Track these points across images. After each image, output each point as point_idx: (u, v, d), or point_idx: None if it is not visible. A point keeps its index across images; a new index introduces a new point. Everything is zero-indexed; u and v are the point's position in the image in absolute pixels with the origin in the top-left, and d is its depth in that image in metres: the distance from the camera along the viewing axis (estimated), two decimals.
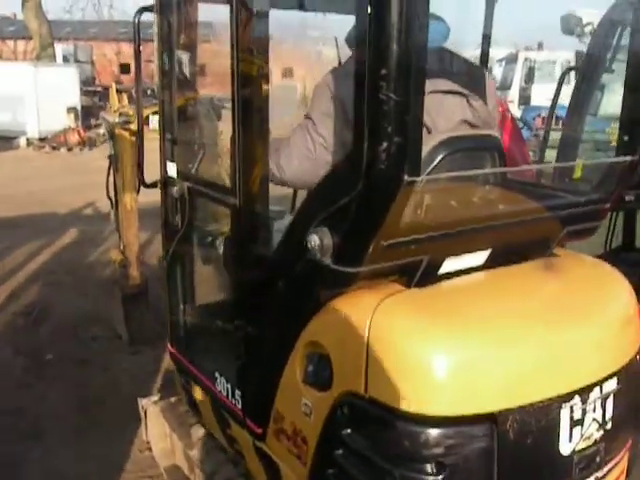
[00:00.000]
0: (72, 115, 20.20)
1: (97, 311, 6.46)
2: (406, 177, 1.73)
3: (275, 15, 2.39)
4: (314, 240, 1.95)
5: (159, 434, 3.84)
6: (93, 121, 22.88)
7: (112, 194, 5.74)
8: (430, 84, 1.85)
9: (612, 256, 4.47)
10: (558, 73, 19.73)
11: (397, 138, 1.68)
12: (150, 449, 4.06)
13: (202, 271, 3.06)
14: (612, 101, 5.23)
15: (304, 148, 2.39)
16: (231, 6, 2.24)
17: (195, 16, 3.04)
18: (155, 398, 3.87)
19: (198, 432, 3.38)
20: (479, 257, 2.28)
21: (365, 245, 1.87)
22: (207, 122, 2.97)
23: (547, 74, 20.25)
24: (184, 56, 2.95)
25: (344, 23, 3.33)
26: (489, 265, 2.31)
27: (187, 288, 3.09)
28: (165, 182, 2.96)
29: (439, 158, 2.17)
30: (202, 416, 3.23)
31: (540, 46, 22.47)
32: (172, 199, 2.90)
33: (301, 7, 3.33)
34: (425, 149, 2.03)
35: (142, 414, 3.90)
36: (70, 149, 19.12)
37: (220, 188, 2.56)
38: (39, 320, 6.28)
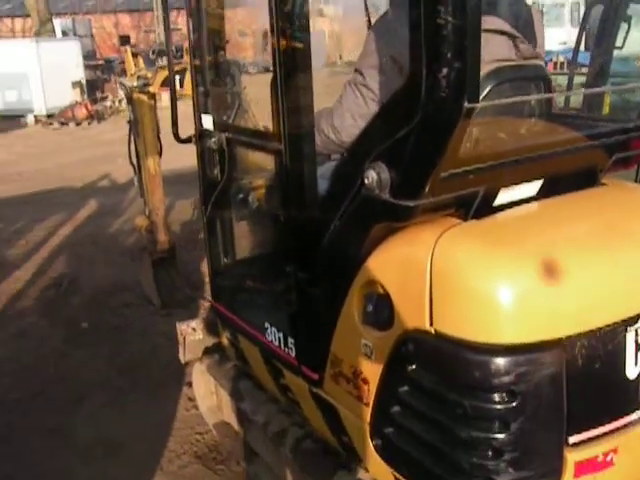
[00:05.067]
0: (78, 89, 20.13)
1: (126, 279, 6.51)
2: (466, 104, 1.70)
3: None
4: (371, 176, 1.93)
5: (205, 392, 3.88)
6: (99, 94, 22.78)
7: (134, 160, 5.72)
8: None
9: None
10: (567, 16, 19.40)
11: (457, 63, 1.65)
12: (196, 407, 4.11)
13: (244, 222, 3.04)
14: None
15: (355, 105, 2.37)
16: None
17: None
18: (193, 324, 3.88)
19: (247, 385, 3.40)
20: (531, 188, 2.25)
21: (424, 177, 1.85)
22: (242, 70, 2.93)
23: (554, 18, 19.90)
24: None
25: None
26: (541, 196, 2.28)
27: (229, 241, 3.07)
28: (201, 135, 2.93)
29: (489, 87, 2.13)
30: (251, 368, 3.24)
31: None
32: (209, 152, 2.87)
33: None
34: None
35: (180, 339, 3.91)
36: (78, 124, 19.07)
37: (262, 135, 2.53)
38: (70, 291, 6.33)
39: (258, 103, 2.79)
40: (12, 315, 5.85)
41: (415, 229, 2.04)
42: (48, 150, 15.57)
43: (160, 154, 5.43)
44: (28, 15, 28.50)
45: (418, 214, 1.96)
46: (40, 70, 20.30)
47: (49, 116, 20.05)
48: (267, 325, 2.79)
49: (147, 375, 4.69)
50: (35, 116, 20.23)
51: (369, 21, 3.60)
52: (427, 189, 1.86)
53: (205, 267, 6.64)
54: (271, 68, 2.29)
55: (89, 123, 19.38)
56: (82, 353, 5.09)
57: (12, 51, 20.95)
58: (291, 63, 2.22)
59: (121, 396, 4.45)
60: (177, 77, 3.99)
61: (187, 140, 3.15)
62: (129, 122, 5.55)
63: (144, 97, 5.18)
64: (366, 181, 1.94)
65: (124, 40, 41.33)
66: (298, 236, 2.41)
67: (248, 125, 2.82)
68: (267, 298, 2.92)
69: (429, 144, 1.79)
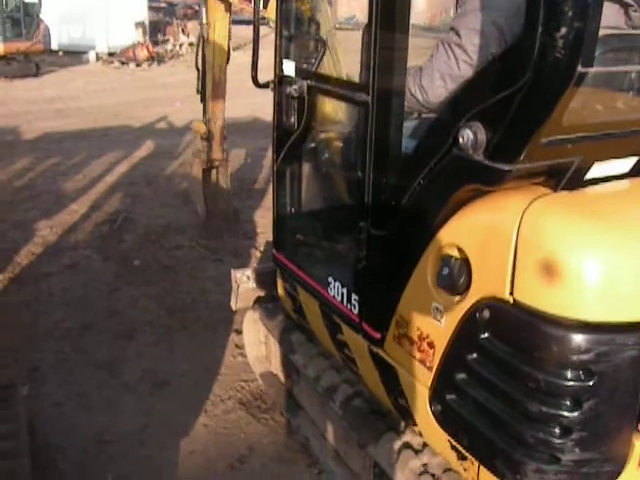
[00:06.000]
0: (140, 30, 20.11)
1: (179, 221, 6.56)
2: (580, 68, 1.62)
3: None
4: (466, 135, 1.86)
5: (254, 340, 3.90)
6: (160, 37, 22.80)
7: (200, 64, 5.60)
8: None
9: None
10: None
11: (577, 23, 1.56)
12: (243, 355, 4.13)
13: (317, 173, 2.99)
14: None
15: (446, 65, 2.28)
16: None
17: None
18: (248, 272, 3.91)
19: (299, 338, 3.40)
20: (626, 164, 2.16)
21: (524, 141, 1.78)
22: (330, 16, 2.85)
23: None
24: None
25: None
26: (633, 174, 2.19)
27: (298, 191, 3.03)
28: (280, 81, 2.87)
29: (596, 54, 2.03)
30: (307, 321, 3.23)
31: None
32: (288, 99, 2.81)
33: None
34: None
35: (234, 286, 3.92)
36: (139, 64, 19.15)
37: (349, 85, 2.46)
38: (123, 228, 6.40)
39: (346, 52, 2.72)
40: (66, 247, 5.94)
41: (503, 195, 1.98)
42: (108, 88, 15.68)
43: (227, 60, 5.34)
44: None
45: (511, 179, 1.89)
46: (105, 8, 20.35)
47: (111, 54, 20.16)
48: (330, 279, 2.76)
49: (195, 318, 4.72)
50: (97, 53, 20.36)
51: None
52: (524, 154, 1.80)
53: (258, 217, 6.72)
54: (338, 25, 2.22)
55: (149, 64, 19.44)
56: (133, 290, 5.14)
57: None
58: (389, 12, 2.14)
59: (169, 336, 4.49)
60: None
61: (265, 85, 3.10)
62: (200, 24, 5.45)
63: (221, 4, 5.03)
64: (460, 140, 1.88)
65: None
66: (376, 192, 2.35)
67: (335, 73, 2.75)
68: (333, 252, 2.89)
69: (535, 107, 1.72)
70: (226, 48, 5.23)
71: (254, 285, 3.94)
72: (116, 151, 9.22)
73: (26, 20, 18.08)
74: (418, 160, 2.19)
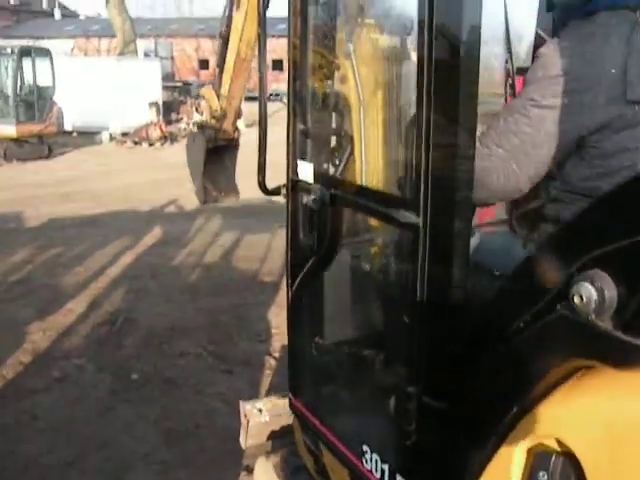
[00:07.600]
0: (154, 110, 20.03)
1: (184, 321, 5.94)
2: None
3: None
4: (587, 292, 1.20)
5: None
6: (174, 116, 22.76)
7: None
8: None
9: None
10: None
11: None
12: None
13: (344, 307, 2.32)
14: None
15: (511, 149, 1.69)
16: None
17: None
18: (259, 404, 3.25)
19: None
20: None
21: None
22: (362, 108, 2.22)
23: None
24: None
25: None
26: None
27: (320, 327, 2.36)
28: (294, 187, 2.25)
29: None
30: None
31: None
32: (305, 211, 2.17)
33: None
34: None
35: (244, 422, 3.25)
36: (151, 144, 18.97)
37: (390, 199, 1.82)
38: (123, 331, 5.78)
39: (396, 150, 2.09)
40: (58, 355, 5.31)
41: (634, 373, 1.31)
42: (119, 169, 15.39)
43: (259, 24, 4.67)
44: (114, 36, 28.94)
45: None
46: (119, 88, 20.35)
47: (124, 134, 20.03)
48: (365, 448, 2.07)
49: (199, 449, 4.02)
50: (110, 134, 20.26)
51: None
52: None
53: (272, 315, 6.07)
54: None
55: (162, 144, 19.25)
56: (128, 410, 4.47)
57: (94, 68, 21.16)
58: (446, 95, 1.53)
59: (168, 475, 3.78)
60: None
61: (275, 192, 2.48)
62: None
63: None
64: (576, 300, 1.22)
65: (203, 64, 41.83)
66: (431, 348, 1.69)
67: (369, 182, 2.11)
68: (367, 413, 2.20)
69: None
70: (257, 22, 4.56)
71: (267, 418, 3.26)
72: (121, 238, 8.71)
73: (40, 103, 18.03)
74: (508, 313, 1.53)
